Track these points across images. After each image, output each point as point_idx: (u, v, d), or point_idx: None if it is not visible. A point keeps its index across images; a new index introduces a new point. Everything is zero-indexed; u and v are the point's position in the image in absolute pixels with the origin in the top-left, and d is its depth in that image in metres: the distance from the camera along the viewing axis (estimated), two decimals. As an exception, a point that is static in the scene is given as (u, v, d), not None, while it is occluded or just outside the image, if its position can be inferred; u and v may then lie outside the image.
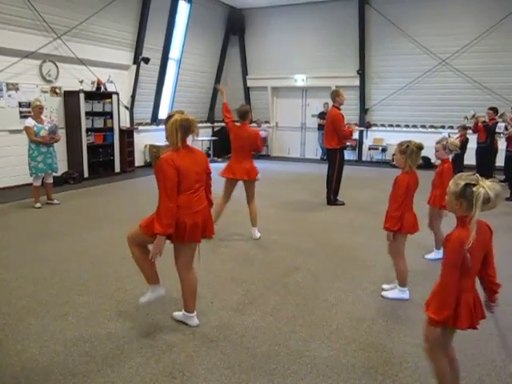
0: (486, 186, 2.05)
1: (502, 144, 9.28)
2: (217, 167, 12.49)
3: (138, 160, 11.56)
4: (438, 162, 4.84)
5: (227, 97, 5.92)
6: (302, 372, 2.77)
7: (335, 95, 7.28)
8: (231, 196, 5.59)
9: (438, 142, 4.63)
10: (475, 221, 2.06)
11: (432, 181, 4.85)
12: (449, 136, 9.41)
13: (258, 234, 5.57)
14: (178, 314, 3.40)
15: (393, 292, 3.92)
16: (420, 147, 3.64)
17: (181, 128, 2.99)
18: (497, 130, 8.94)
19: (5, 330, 3.22)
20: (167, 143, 3.12)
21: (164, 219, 2.93)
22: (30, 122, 6.88)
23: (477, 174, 2.15)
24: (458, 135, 9.26)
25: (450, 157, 4.72)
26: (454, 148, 4.63)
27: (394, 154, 3.95)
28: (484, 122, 8.94)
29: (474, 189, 2.06)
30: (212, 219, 3.32)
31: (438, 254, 4.75)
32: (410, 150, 3.60)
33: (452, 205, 2.18)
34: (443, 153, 4.62)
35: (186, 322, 3.34)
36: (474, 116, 9.26)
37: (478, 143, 9.09)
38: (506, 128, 8.89)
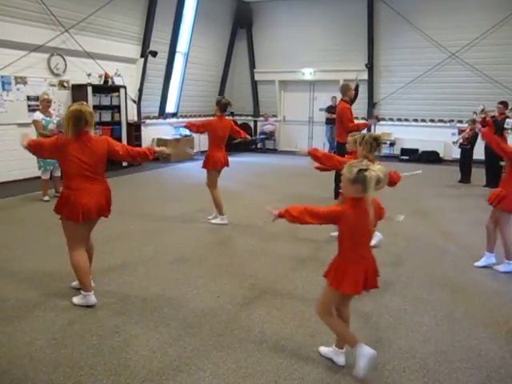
0: (377, 169, 2.37)
1: (511, 139, 9.17)
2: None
3: (146, 154, 11.56)
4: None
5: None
6: (308, 366, 2.77)
7: (346, 89, 7.16)
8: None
9: (351, 136, 4.76)
10: (371, 200, 2.37)
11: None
12: (459, 133, 9.32)
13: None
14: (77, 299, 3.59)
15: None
16: (376, 138, 3.96)
17: (72, 119, 3.32)
18: (505, 125, 8.82)
19: (13, 322, 3.24)
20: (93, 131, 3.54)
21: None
22: (38, 115, 6.91)
23: (365, 160, 2.49)
24: (467, 130, 9.16)
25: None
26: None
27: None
28: (493, 116, 8.81)
29: (367, 173, 2.35)
30: (110, 202, 3.74)
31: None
32: (365, 141, 3.91)
33: (350, 190, 2.46)
34: (353, 146, 4.70)
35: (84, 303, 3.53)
36: (483, 110, 9.13)
37: (486, 138, 8.99)
38: (515, 124, 8.76)
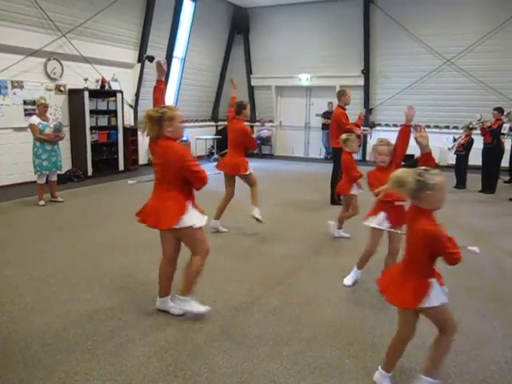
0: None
1: (508, 145, 9.23)
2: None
3: (142, 158, 11.55)
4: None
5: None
6: (304, 372, 2.76)
7: (341, 94, 7.23)
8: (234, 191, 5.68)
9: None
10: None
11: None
12: (454, 140, 9.34)
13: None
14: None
15: None
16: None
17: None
18: (502, 130, 8.87)
19: (8, 328, 3.23)
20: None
21: None
22: (34, 119, 6.90)
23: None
24: (463, 136, 9.20)
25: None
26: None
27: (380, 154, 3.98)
28: (490, 126, 8.83)
29: (432, 181, 2.31)
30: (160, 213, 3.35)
31: None
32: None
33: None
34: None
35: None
36: (480, 120, 9.16)
37: (484, 144, 9.03)
38: (510, 129, 8.81)
